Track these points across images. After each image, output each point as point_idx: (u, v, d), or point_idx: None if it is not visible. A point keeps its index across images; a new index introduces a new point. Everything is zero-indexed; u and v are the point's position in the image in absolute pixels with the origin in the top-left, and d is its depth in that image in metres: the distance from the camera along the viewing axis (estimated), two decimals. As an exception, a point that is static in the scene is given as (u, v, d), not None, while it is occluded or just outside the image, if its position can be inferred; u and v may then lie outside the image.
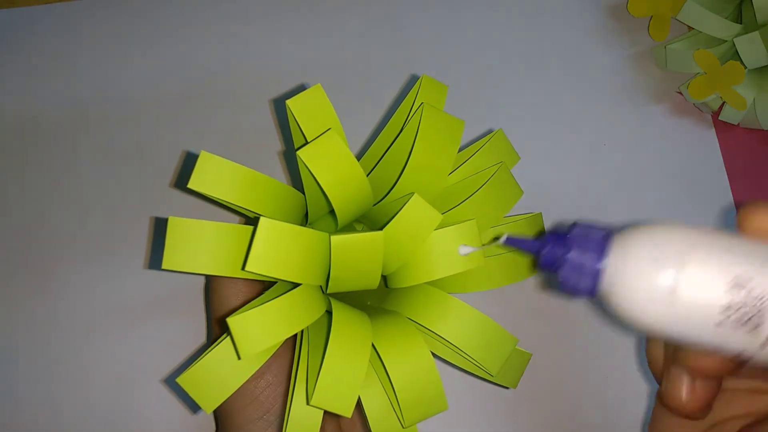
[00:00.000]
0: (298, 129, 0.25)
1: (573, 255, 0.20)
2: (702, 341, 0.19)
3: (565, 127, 0.37)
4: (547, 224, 0.35)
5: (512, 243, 0.23)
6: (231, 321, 0.22)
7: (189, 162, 0.36)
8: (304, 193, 0.27)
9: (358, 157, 0.29)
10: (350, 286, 0.26)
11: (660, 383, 0.22)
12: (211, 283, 0.28)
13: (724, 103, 0.36)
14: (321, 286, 0.26)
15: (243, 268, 0.23)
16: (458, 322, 0.26)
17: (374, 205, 0.28)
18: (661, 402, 0.22)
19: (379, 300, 0.30)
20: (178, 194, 0.35)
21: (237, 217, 0.35)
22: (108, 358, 0.33)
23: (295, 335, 0.27)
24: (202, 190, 0.24)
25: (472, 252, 0.25)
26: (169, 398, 0.32)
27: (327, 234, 0.24)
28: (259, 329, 0.23)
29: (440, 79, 0.31)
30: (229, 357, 0.24)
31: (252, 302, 0.24)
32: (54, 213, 0.35)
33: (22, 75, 0.37)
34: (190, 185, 0.24)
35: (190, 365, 0.24)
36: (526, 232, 0.30)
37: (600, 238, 0.20)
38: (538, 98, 0.38)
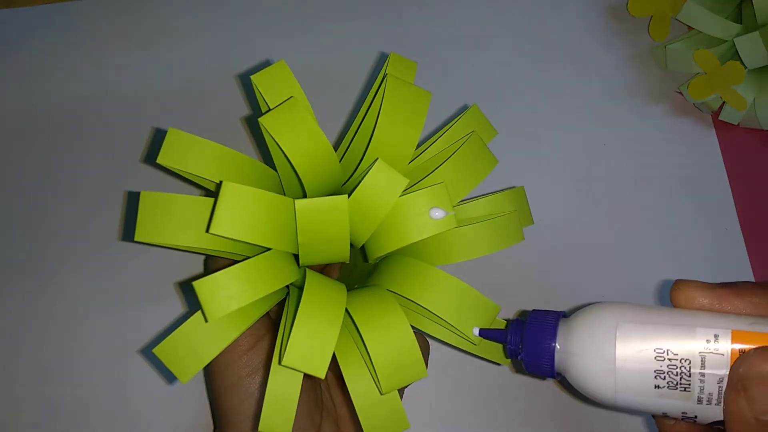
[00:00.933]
0: (264, 103, 0.26)
1: (528, 341, 0.23)
2: (649, 407, 0.21)
3: (565, 127, 0.37)
4: (546, 230, 0.35)
5: (484, 335, 0.25)
6: (197, 284, 0.23)
7: (158, 138, 0.35)
8: (276, 170, 0.27)
9: (336, 144, 0.29)
10: (321, 256, 0.26)
11: None
12: (208, 261, 0.28)
13: (724, 103, 0.36)
14: (296, 259, 0.26)
15: (207, 230, 0.23)
16: (437, 291, 0.26)
17: (346, 181, 0.28)
18: None
19: (363, 282, 0.30)
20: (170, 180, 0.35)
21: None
22: (107, 358, 0.33)
23: (277, 313, 0.27)
24: (171, 164, 0.24)
25: (443, 215, 0.25)
26: (169, 397, 0.32)
27: (291, 199, 0.24)
28: (225, 291, 0.23)
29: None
30: (204, 326, 0.24)
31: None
32: (54, 212, 0.35)
33: (22, 75, 0.37)
34: (158, 160, 0.24)
35: (166, 336, 0.24)
36: (508, 207, 0.29)
37: (551, 323, 0.23)
38: (538, 98, 0.38)
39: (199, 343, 0.24)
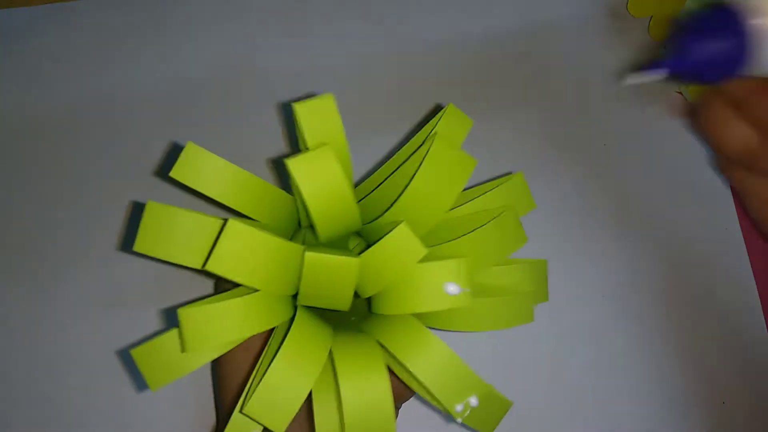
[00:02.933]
0: (302, 135, 0.25)
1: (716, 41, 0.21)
2: None
3: (564, 127, 0.37)
4: (545, 230, 0.35)
5: (646, 72, 0.22)
6: (181, 312, 0.22)
7: (174, 153, 0.35)
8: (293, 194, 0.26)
9: (365, 177, 0.28)
10: (320, 303, 0.26)
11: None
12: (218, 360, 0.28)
13: (724, 103, 0.36)
14: (293, 296, 0.26)
15: (203, 266, 0.23)
16: (429, 358, 0.25)
17: (371, 222, 0.27)
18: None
19: (362, 317, 0.29)
20: (181, 194, 0.35)
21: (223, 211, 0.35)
22: (107, 357, 0.33)
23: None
24: (184, 180, 0.24)
25: (458, 292, 0.24)
26: (169, 398, 0.32)
27: (301, 247, 0.24)
28: (208, 327, 0.22)
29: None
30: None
31: (210, 298, 0.24)
32: (54, 213, 0.35)
33: (22, 75, 0.37)
34: (172, 174, 0.24)
35: (146, 341, 0.24)
36: (527, 281, 0.28)
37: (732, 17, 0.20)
38: (538, 98, 0.38)
39: (177, 356, 0.24)
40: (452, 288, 0.24)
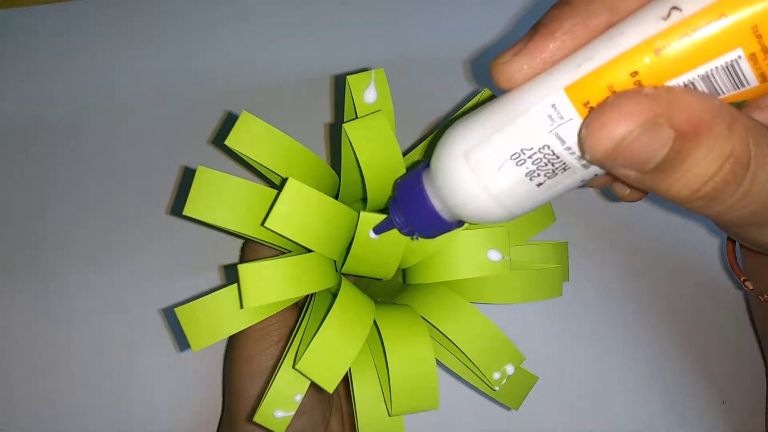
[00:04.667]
0: (352, 105, 0.26)
1: (409, 214, 0.22)
2: (547, 199, 0.19)
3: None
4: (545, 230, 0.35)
5: (379, 230, 0.24)
6: (241, 268, 0.23)
7: (229, 122, 0.36)
8: (339, 174, 0.27)
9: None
10: (365, 269, 0.26)
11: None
12: (246, 248, 0.29)
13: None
14: (335, 264, 0.27)
15: (263, 223, 0.23)
16: (468, 327, 0.26)
17: None
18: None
19: (389, 298, 0.30)
20: (181, 197, 0.35)
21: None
22: (107, 357, 0.33)
23: (303, 305, 0.28)
24: (239, 148, 0.24)
25: (500, 258, 0.25)
26: (170, 396, 0.32)
27: (356, 210, 0.25)
28: (266, 282, 0.23)
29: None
30: (230, 304, 0.24)
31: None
32: (54, 212, 0.35)
33: (22, 75, 0.37)
34: (227, 142, 0.24)
35: (191, 300, 0.24)
36: (551, 259, 0.29)
37: (416, 187, 0.21)
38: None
39: (221, 318, 0.24)
40: (494, 255, 0.25)
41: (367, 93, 0.26)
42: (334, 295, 0.25)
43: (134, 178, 0.35)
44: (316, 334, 0.23)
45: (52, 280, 0.34)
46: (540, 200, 0.19)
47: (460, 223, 0.22)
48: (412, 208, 0.21)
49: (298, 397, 0.24)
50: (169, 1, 0.39)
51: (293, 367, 0.23)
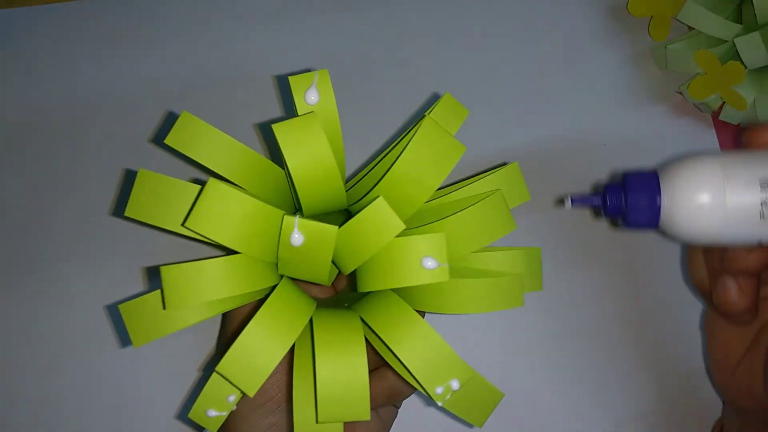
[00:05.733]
0: (296, 106, 0.26)
1: (633, 200, 0.25)
2: (752, 237, 0.24)
3: (565, 127, 0.37)
4: (545, 230, 0.35)
5: (577, 203, 0.27)
6: (164, 270, 0.23)
7: (170, 120, 0.35)
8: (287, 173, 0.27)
9: (362, 167, 0.28)
10: (300, 274, 0.26)
11: (708, 298, 0.28)
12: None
13: (724, 103, 0.36)
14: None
15: (182, 224, 0.23)
16: (412, 340, 0.24)
17: (356, 203, 0.28)
18: (717, 310, 0.27)
19: (354, 302, 0.29)
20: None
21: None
22: (107, 357, 0.33)
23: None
24: (179, 147, 0.24)
25: (435, 266, 0.24)
26: (170, 395, 0.32)
27: (281, 211, 0.24)
28: (188, 284, 0.23)
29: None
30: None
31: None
32: (54, 212, 0.35)
33: (22, 75, 0.37)
34: (167, 141, 0.24)
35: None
36: (519, 266, 0.28)
37: (650, 181, 0.25)
38: (539, 98, 0.38)
39: (162, 315, 0.24)
40: (429, 262, 0.24)
41: (308, 94, 0.25)
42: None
43: (134, 177, 0.35)
44: (238, 338, 0.22)
45: (53, 279, 0.34)
46: (751, 232, 0.24)
47: (655, 226, 0.25)
48: (640, 196, 0.25)
49: (231, 398, 0.25)
50: (170, 1, 0.39)
51: (215, 369, 0.23)
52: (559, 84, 0.38)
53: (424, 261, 0.24)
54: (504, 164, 0.30)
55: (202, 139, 0.25)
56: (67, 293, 0.34)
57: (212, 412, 0.24)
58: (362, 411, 0.24)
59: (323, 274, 0.26)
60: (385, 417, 0.28)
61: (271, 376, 0.26)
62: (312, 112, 0.25)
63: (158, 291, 0.24)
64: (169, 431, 0.32)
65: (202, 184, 0.24)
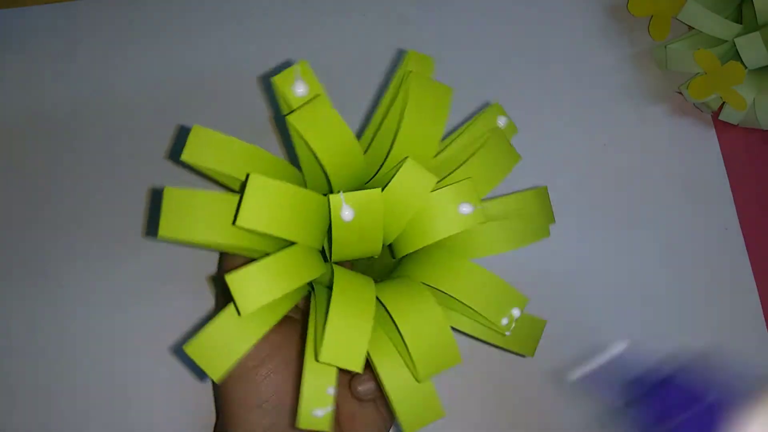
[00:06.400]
0: (286, 104, 0.26)
1: None
2: None
3: (565, 127, 0.37)
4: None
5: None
6: (229, 278, 0.23)
7: (182, 136, 0.35)
8: (301, 169, 0.27)
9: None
10: (353, 251, 0.26)
11: None
12: (222, 259, 0.29)
13: (724, 103, 0.36)
14: (325, 253, 0.27)
15: (234, 222, 0.23)
16: (467, 281, 0.26)
17: (371, 179, 0.28)
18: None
19: (386, 275, 0.30)
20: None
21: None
22: (107, 357, 0.33)
23: (306, 315, 0.27)
24: (196, 162, 0.24)
25: (471, 210, 0.25)
26: (169, 395, 0.32)
27: (320, 194, 0.24)
28: (257, 285, 0.23)
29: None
30: (234, 322, 0.24)
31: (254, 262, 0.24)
32: (55, 212, 0.35)
33: (22, 75, 0.37)
34: (183, 158, 0.24)
35: (195, 334, 0.24)
36: (532, 205, 0.29)
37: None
38: (539, 98, 0.38)
39: (230, 339, 0.24)
40: (465, 208, 0.25)
41: (296, 87, 0.25)
42: (330, 287, 0.25)
43: (134, 178, 0.35)
44: (327, 322, 0.23)
45: (54, 279, 0.34)
46: None
47: None
48: None
49: (331, 390, 0.24)
50: (170, 1, 0.39)
51: (315, 360, 0.23)
52: (559, 84, 0.38)
53: (460, 207, 0.25)
54: (486, 104, 0.31)
55: (218, 149, 0.25)
56: (67, 293, 0.34)
57: (319, 412, 0.24)
58: (454, 357, 0.25)
59: (377, 242, 0.26)
60: (387, 414, 0.28)
61: (264, 377, 0.26)
62: (317, 95, 0.25)
63: (217, 319, 0.24)
64: (165, 425, 0.32)
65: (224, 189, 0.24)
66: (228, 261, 0.28)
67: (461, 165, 0.28)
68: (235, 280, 0.23)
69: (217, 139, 0.25)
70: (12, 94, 0.37)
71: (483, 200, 0.29)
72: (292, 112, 0.25)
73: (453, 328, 0.28)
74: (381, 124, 0.28)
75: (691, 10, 0.35)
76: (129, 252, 0.34)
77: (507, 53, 0.39)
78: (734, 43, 0.34)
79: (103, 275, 0.34)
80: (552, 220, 0.31)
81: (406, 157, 0.25)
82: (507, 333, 0.26)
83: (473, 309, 0.26)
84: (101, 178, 0.35)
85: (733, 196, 0.37)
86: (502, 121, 0.29)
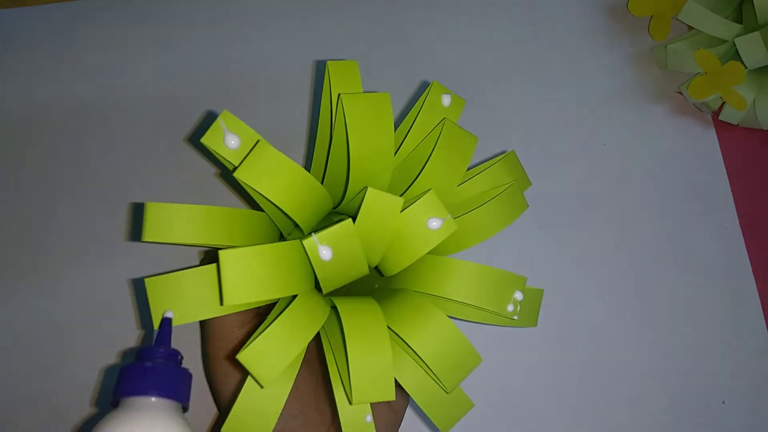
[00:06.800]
0: (227, 161, 0.25)
1: None
2: None
3: (565, 126, 0.37)
4: (545, 230, 0.35)
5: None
6: (241, 357, 0.22)
7: (138, 212, 0.35)
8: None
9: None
10: (342, 279, 0.26)
11: None
12: (205, 327, 0.28)
13: (724, 103, 0.36)
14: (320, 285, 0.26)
15: (221, 304, 0.23)
16: (459, 280, 0.26)
17: (338, 205, 0.28)
18: None
19: (385, 281, 0.30)
20: (180, 196, 0.35)
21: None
22: (107, 357, 0.33)
23: (320, 345, 0.28)
24: (158, 239, 0.24)
25: (441, 223, 0.25)
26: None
27: (297, 241, 0.24)
28: (271, 353, 0.23)
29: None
30: (258, 395, 0.24)
31: (257, 331, 0.24)
32: (54, 212, 0.35)
33: (22, 75, 0.37)
34: (144, 238, 0.24)
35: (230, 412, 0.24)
36: (506, 176, 0.29)
37: None
38: (539, 98, 0.38)
39: (262, 407, 0.24)
40: (434, 223, 0.25)
41: (227, 141, 0.25)
42: (334, 307, 0.25)
43: (135, 178, 0.35)
44: (348, 363, 0.23)
45: (53, 279, 0.34)
46: None
47: None
48: None
49: (369, 418, 0.25)
50: (170, 1, 0.39)
51: (350, 403, 0.24)
52: (559, 84, 0.38)
53: (429, 223, 0.25)
54: (503, 152, 0.31)
55: (177, 221, 0.24)
56: (67, 292, 0.34)
57: None
58: (474, 358, 0.25)
59: (362, 266, 0.26)
60: (396, 407, 0.29)
61: (244, 336, 0.27)
62: (258, 141, 0.25)
63: (241, 395, 0.24)
64: None
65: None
66: (211, 325, 0.28)
67: (472, 210, 0.28)
68: (247, 356, 0.22)
69: (173, 211, 0.24)
70: (12, 94, 0.37)
71: (458, 186, 0.29)
72: (236, 168, 0.24)
73: (456, 318, 0.28)
74: (330, 145, 0.28)
75: (691, 10, 0.35)
76: (129, 251, 0.34)
77: (507, 53, 0.39)
78: (734, 43, 0.34)
79: (103, 275, 0.34)
80: (528, 183, 0.31)
81: (366, 187, 0.25)
82: (515, 317, 0.26)
83: (477, 306, 0.26)
84: (101, 178, 0.35)
85: (733, 196, 0.37)
86: (446, 101, 0.29)
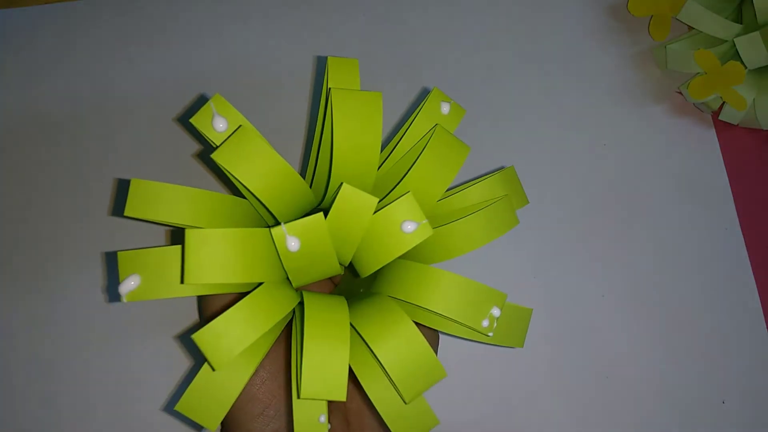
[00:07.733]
0: (211, 141, 0.25)
1: None
2: None
3: (565, 126, 0.37)
4: (545, 230, 0.35)
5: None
6: (196, 337, 0.22)
7: (123, 189, 0.35)
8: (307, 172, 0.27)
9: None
10: (311, 275, 0.26)
11: None
12: (200, 310, 0.28)
13: (724, 103, 0.36)
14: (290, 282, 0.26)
15: (181, 282, 0.23)
16: (439, 290, 0.25)
17: (321, 201, 0.28)
18: None
19: (368, 285, 0.30)
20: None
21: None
22: (107, 357, 0.33)
23: (289, 330, 0.27)
24: (140, 215, 0.24)
25: (416, 227, 0.24)
26: (170, 396, 0.32)
27: (266, 229, 0.24)
28: (226, 338, 0.22)
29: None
30: (216, 374, 0.24)
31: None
32: (55, 212, 0.35)
33: (22, 75, 0.37)
34: (126, 213, 0.24)
35: (185, 391, 0.24)
36: (499, 191, 0.29)
37: None
38: (538, 98, 0.38)
39: (217, 390, 0.24)
40: (409, 226, 0.24)
41: (216, 123, 0.25)
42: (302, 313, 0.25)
43: (134, 177, 0.35)
44: (302, 356, 0.22)
45: (54, 279, 0.34)
46: None
47: None
48: None
49: (322, 418, 0.24)
50: (170, 1, 0.39)
51: (297, 397, 0.23)
52: (559, 84, 0.38)
53: (404, 226, 0.24)
54: (501, 168, 0.30)
55: (160, 199, 0.24)
56: (67, 292, 0.34)
57: None
58: (438, 372, 0.24)
59: (332, 264, 0.26)
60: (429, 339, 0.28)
61: (260, 385, 0.26)
62: (240, 126, 0.25)
63: (199, 375, 0.24)
64: (164, 426, 0.32)
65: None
66: (207, 307, 0.28)
67: (456, 220, 0.27)
68: (203, 337, 0.22)
69: (157, 190, 0.24)
70: (12, 94, 0.37)
71: (449, 194, 0.28)
72: (215, 149, 0.24)
73: (441, 332, 0.28)
74: (320, 141, 0.28)
75: (691, 10, 0.35)
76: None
77: (507, 53, 0.39)
78: (734, 43, 0.34)
79: (103, 274, 0.34)
80: (524, 201, 0.30)
81: (341, 183, 0.24)
82: (489, 334, 0.25)
83: (452, 318, 0.25)
84: (101, 178, 0.35)
85: (733, 196, 0.37)
86: (445, 109, 0.28)
